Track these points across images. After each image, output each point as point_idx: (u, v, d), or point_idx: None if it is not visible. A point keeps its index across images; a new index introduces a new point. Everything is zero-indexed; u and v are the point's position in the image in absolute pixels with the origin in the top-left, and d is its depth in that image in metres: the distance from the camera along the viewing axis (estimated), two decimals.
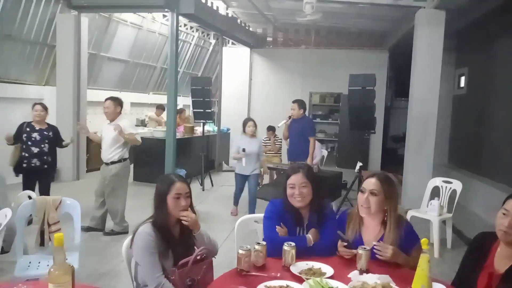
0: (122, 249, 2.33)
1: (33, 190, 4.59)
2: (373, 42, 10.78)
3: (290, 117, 5.73)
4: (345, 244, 2.14)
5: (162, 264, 2.10)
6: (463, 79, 8.39)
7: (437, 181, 5.08)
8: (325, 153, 8.04)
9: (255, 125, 5.80)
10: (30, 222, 3.84)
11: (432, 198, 4.85)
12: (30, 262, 2.92)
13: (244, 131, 5.81)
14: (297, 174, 2.35)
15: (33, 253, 3.11)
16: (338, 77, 9.82)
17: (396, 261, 2.06)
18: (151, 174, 7.91)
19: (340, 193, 6.80)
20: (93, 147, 8.61)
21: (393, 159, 10.94)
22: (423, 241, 1.64)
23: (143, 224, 2.19)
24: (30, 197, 3.31)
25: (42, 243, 3.11)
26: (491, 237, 1.90)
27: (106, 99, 4.86)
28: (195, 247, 2.21)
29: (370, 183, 2.21)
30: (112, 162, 4.75)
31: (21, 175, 4.93)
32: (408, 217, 4.86)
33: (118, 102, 4.86)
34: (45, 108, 4.98)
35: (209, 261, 2.21)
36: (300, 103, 5.69)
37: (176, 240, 2.19)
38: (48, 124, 5.02)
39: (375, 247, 2.06)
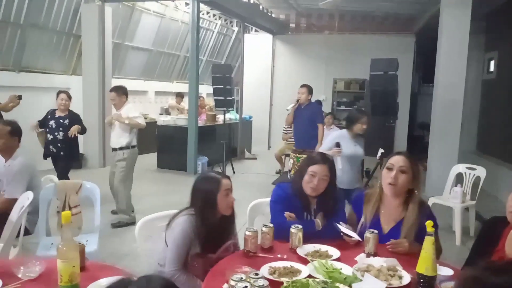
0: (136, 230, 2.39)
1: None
2: (399, 26, 10.49)
3: (298, 101, 5.59)
4: (343, 234, 2.14)
5: (190, 251, 2.10)
6: (492, 63, 8.06)
7: (461, 168, 4.95)
8: None
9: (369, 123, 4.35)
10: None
11: (455, 185, 4.73)
12: (52, 243, 3.04)
13: (350, 128, 4.35)
14: (322, 165, 2.30)
15: (55, 235, 3.23)
16: (362, 63, 9.57)
17: (413, 251, 1.97)
18: (174, 161, 8.07)
19: (361, 180, 6.72)
20: None
21: (419, 147, 10.69)
22: (428, 223, 1.61)
23: (184, 214, 2.15)
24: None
25: None
26: (503, 221, 1.85)
27: (110, 91, 4.98)
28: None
29: (399, 160, 2.15)
30: (120, 148, 4.84)
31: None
32: (430, 203, 4.75)
33: (122, 91, 4.91)
34: (69, 97, 5.08)
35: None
36: (309, 88, 5.56)
37: (215, 233, 2.17)
38: (69, 111, 5.08)
39: (389, 247, 2.02)
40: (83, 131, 5.07)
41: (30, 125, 4.89)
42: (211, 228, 2.12)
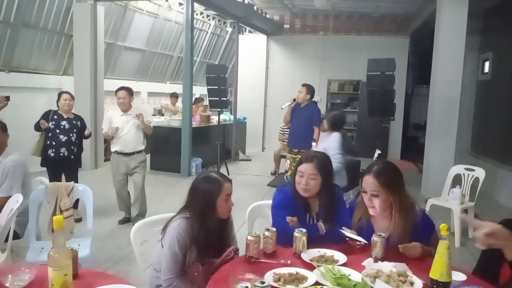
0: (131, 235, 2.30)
1: (59, 181, 4.54)
2: (393, 27, 10.48)
3: (295, 100, 5.49)
4: (348, 239, 2.05)
5: (188, 258, 2.00)
6: (487, 64, 8.06)
7: (459, 169, 4.90)
8: None
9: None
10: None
11: (453, 186, 4.67)
12: (42, 248, 2.91)
13: None
14: (308, 164, 2.22)
15: (46, 239, 3.11)
16: (357, 64, 9.60)
17: (424, 256, 1.94)
18: (167, 162, 7.95)
19: (358, 182, 6.65)
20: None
21: (413, 148, 10.69)
22: (442, 226, 1.53)
23: (179, 217, 2.04)
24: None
25: None
26: None
27: (119, 90, 4.73)
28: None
29: (369, 184, 2.07)
30: (138, 152, 4.75)
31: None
32: (428, 205, 4.71)
33: (131, 92, 4.78)
34: (72, 97, 4.90)
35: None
36: (309, 88, 5.46)
37: (213, 237, 2.06)
38: (74, 113, 4.93)
39: (400, 250, 1.94)
40: (87, 135, 4.98)
41: (41, 124, 4.65)
42: (208, 232, 2.02)
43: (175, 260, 1.97)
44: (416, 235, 2.02)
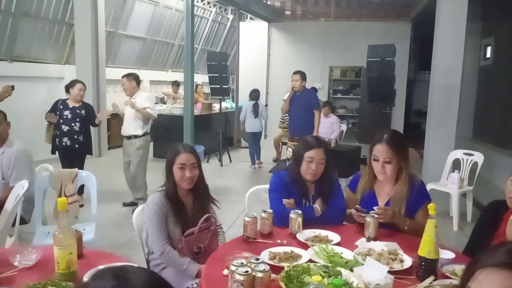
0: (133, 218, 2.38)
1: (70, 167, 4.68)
2: (395, 12, 10.42)
3: (293, 89, 5.53)
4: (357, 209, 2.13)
5: (170, 233, 2.11)
6: (489, 49, 8.03)
7: (458, 154, 4.94)
8: (344, 128, 7.93)
9: None
10: None
11: (452, 171, 4.73)
12: (48, 233, 3.00)
13: None
14: (318, 150, 2.26)
15: (52, 224, 3.20)
16: (359, 50, 9.54)
17: (394, 221, 2.08)
18: None
19: (358, 168, 6.72)
20: (114, 124, 8.73)
21: (416, 134, 10.70)
22: (430, 206, 1.59)
23: (154, 192, 2.21)
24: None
25: None
26: (504, 205, 1.84)
27: (122, 77, 4.88)
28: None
29: (382, 152, 2.15)
30: (135, 136, 4.79)
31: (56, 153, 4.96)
32: (427, 189, 4.75)
33: (132, 77, 4.83)
34: (85, 87, 4.95)
35: (214, 229, 2.22)
36: (302, 74, 5.49)
37: (187, 210, 2.19)
38: (83, 102, 4.95)
39: (375, 210, 2.05)
40: (98, 123, 4.99)
41: (47, 115, 4.75)
42: (179, 200, 2.15)
43: (159, 229, 2.08)
44: (411, 202, 2.15)
